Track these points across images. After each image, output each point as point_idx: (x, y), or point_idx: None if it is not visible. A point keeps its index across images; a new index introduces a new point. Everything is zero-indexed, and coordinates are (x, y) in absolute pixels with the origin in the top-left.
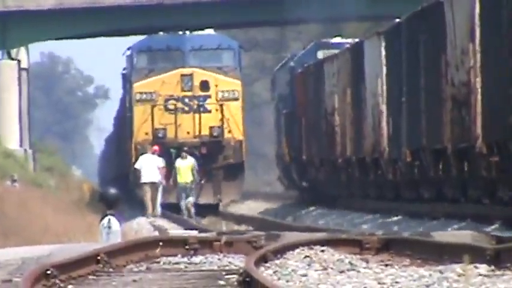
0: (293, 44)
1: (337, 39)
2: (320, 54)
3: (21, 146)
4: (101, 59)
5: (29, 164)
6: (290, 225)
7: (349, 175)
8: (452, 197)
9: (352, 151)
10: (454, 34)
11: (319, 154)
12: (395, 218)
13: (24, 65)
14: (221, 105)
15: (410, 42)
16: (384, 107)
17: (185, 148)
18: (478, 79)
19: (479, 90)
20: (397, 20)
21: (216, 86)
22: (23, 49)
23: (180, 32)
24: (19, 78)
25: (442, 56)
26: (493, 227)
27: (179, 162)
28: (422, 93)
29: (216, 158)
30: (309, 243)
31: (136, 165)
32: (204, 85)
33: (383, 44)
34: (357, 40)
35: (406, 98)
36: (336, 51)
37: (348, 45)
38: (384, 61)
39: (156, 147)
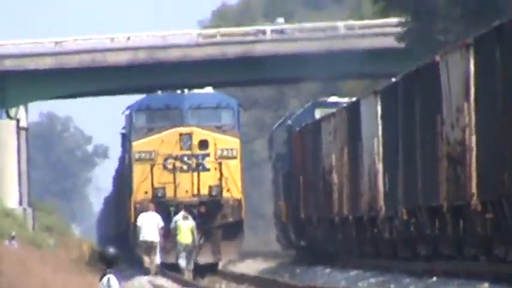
0: (292, 101)
1: (334, 99)
2: (317, 113)
3: (20, 205)
4: (100, 118)
5: (28, 223)
6: (290, 284)
7: (346, 233)
8: (448, 254)
9: (349, 210)
10: (449, 93)
11: (316, 213)
12: (392, 276)
13: (23, 124)
14: (220, 164)
15: (406, 101)
16: (380, 166)
17: (181, 206)
18: (473, 137)
19: (474, 148)
20: (393, 79)
21: (215, 144)
22: (22, 108)
23: (179, 91)
24: (18, 138)
25: (437, 115)
26: (486, 285)
27: (181, 222)
28: (418, 151)
29: (214, 217)
30: None
31: (138, 223)
32: (203, 144)
33: (379, 103)
34: (353, 99)
35: (402, 156)
36: (333, 110)
37: (344, 104)
38: (380, 120)
39: (152, 205)
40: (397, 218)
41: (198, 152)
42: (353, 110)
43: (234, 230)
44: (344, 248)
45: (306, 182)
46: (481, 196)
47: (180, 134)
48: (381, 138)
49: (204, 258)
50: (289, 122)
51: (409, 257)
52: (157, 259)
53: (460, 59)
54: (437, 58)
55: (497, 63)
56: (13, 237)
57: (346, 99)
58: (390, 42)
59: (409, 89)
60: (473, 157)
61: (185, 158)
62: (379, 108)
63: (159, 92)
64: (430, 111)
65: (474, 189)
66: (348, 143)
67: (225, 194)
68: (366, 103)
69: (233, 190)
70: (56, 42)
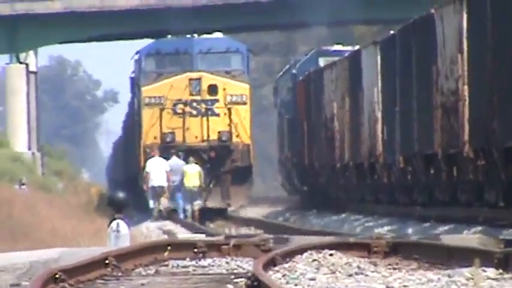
0: (301, 47)
1: (338, 47)
2: (321, 62)
3: (29, 149)
4: (110, 63)
5: (37, 167)
6: (299, 228)
7: (347, 179)
8: (443, 200)
9: (350, 156)
10: (443, 45)
11: (319, 159)
12: (388, 221)
13: (32, 68)
14: (229, 109)
15: (403, 52)
16: (379, 115)
17: (191, 158)
18: (466, 88)
19: (467, 98)
20: (391, 32)
21: (224, 89)
22: (31, 53)
23: (188, 36)
24: (27, 82)
25: (432, 66)
26: (479, 228)
27: (187, 167)
28: (414, 101)
29: (224, 162)
30: (318, 247)
31: (146, 169)
32: (212, 89)
33: (379, 53)
34: (356, 47)
35: (399, 106)
36: (337, 58)
37: (347, 53)
38: (379, 70)
39: (157, 151)
40: (395, 166)
41: (207, 97)
42: (354, 60)
43: (243, 175)
44: (345, 194)
45: (309, 129)
46: (473, 144)
47: (190, 79)
48: (380, 88)
49: (213, 203)
50: (294, 70)
51: (407, 202)
52: (166, 203)
53: (454, 13)
54: (433, 11)
55: (487, 17)
56: (23, 183)
57: (349, 48)
58: None
59: (406, 41)
60: (466, 106)
61: (194, 103)
62: (378, 59)
63: (169, 37)
64: (425, 62)
65: (466, 138)
66: (349, 91)
67: (235, 139)
68: (367, 53)
69: (242, 135)
70: None
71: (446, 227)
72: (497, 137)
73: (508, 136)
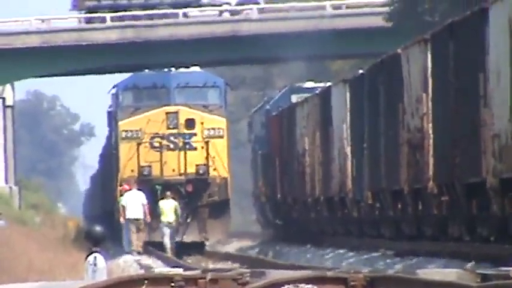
0: (279, 81)
1: (310, 84)
2: (294, 98)
3: (6, 183)
4: (87, 97)
5: (14, 201)
6: (275, 262)
7: (319, 213)
8: (409, 234)
9: (321, 191)
10: (409, 84)
11: (291, 193)
12: (351, 254)
13: (9, 102)
14: (206, 143)
15: (371, 90)
16: (348, 150)
17: (168, 193)
18: (430, 125)
19: (431, 135)
20: (360, 71)
21: (202, 123)
22: (8, 86)
23: (166, 70)
24: (4, 116)
25: (399, 104)
26: (443, 260)
27: (162, 203)
28: (382, 138)
29: (201, 196)
30: (295, 281)
31: (122, 202)
32: (190, 123)
33: (348, 91)
34: (328, 84)
35: (367, 142)
36: (309, 95)
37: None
38: (348, 107)
39: (125, 186)
40: (363, 201)
41: (184, 131)
42: (324, 97)
43: (220, 209)
44: (317, 227)
45: (282, 164)
46: (437, 180)
47: (167, 113)
48: (349, 124)
49: (191, 237)
50: (268, 106)
51: (375, 235)
52: (142, 237)
53: (419, 53)
54: (399, 51)
55: (450, 58)
56: None
57: (321, 85)
58: (378, 21)
59: (374, 80)
60: (430, 144)
61: (172, 137)
62: (347, 96)
63: (146, 71)
64: (392, 100)
65: (431, 173)
66: (320, 127)
67: (212, 173)
68: (336, 91)
69: (220, 169)
70: (43, 20)
71: (413, 261)
72: (459, 173)
73: (470, 172)
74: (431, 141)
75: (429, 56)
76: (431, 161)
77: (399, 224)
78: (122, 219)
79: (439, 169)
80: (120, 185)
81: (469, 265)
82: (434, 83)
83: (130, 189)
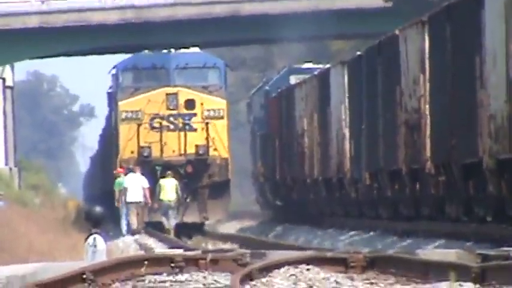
0: (279, 62)
1: (309, 65)
2: (292, 79)
3: (6, 164)
4: (87, 78)
5: (14, 182)
6: (275, 243)
7: (317, 194)
8: (407, 214)
9: (320, 171)
10: (407, 65)
11: (290, 174)
12: (352, 233)
13: (9, 83)
14: (207, 124)
15: (369, 72)
16: (346, 131)
17: (168, 172)
18: (427, 106)
19: (428, 116)
20: (358, 52)
21: (202, 104)
22: (8, 67)
23: (166, 50)
24: (4, 97)
25: (397, 86)
26: (443, 241)
27: (163, 181)
28: (380, 119)
29: (201, 177)
30: (295, 262)
31: (124, 185)
32: (190, 104)
33: (346, 72)
34: (327, 66)
35: (365, 123)
36: (307, 76)
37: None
38: (347, 89)
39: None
40: (361, 182)
41: (184, 111)
42: (323, 78)
43: (221, 190)
44: (315, 208)
45: (281, 145)
46: (434, 160)
47: (167, 94)
48: (347, 106)
49: (191, 218)
50: (266, 87)
51: (373, 216)
52: (141, 219)
53: (416, 35)
54: (397, 32)
55: (447, 40)
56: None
57: (320, 66)
58: (378, 2)
59: (372, 61)
60: (428, 124)
61: (171, 118)
62: (346, 78)
63: (146, 52)
64: (390, 82)
65: (428, 154)
66: (318, 109)
67: (212, 153)
68: (335, 72)
69: (220, 149)
70: (43, 1)
71: (410, 241)
72: (456, 154)
73: (466, 153)
74: (428, 122)
75: (426, 37)
76: (428, 141)
77: (397, 205)
78: (117, 203)
79: (436, 150)
80: (120, 166)
81: (467, 245)
82: (431, 65)
83: (123, 172)
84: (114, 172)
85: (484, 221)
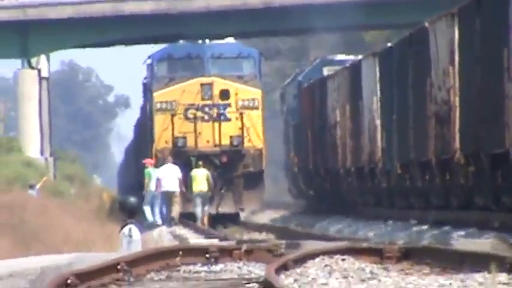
0: (313, 52)
1: (341, 56)
2: (325, 71)
3: (42, 154)
4: (122, 68)
5: (49, 172)
6: (310, 233)
7: (350, 184)
8: (437, 204)
9: (352, 162)
10: (437, 57)
11: (323, 164)
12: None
13: (44, 73)
14: (241, 114)
15: (400, 64)
16: (378, 122)
17: (200, 162)
18: (457, 98)
19: (458, 107)
20: (389, 44)
21: (236, 94)
22: (43, 58)
23: (200, 41)
24: (39, 87)
25: (427, 77)
26: (471, 230)
27: (195, 171)
28: (410, 110)
29: (236, 167)
30: (330, 252)
31: (158, 175)
32: (224, 94)
33: (377, 64)
34: (359, 57)
35: (396, 115)
36: (340, 67)
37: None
38: (378, 80)
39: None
40: (393, 172)
41: (219, 102)
42: (355, 70)
43: (255, 180)
44: (348, 198)
45: (313, 135)
46: (464, 151)
47: (201, 84)
48: (379, 97)
49: (226, 208)
50: (299, 78)
51: (405, 206)
52: (177, 210)
53: (446, 27)
54: (427, 25)
55: (476, 32)
56: (31, 186)
57: (352, 57)
58: None
59: (403, 53)
60: (457, 115)
61: (206, 108)
62: (377, 69)
63: (181, 42)
64: (420, 74)
65: (458, 145)
66: (350, 100)
67: (247, 144)
68: (366, 64)
69: (254, 140)
70: None
71: (441, 230)
72: (485, 144)
73: (495, 143)
74: (457, 113)
75: (456, 30)
76: (458, 132)
77: (428, 195)
78: (145, 191)
79: (465, 140)
80: (155, 156)
81: (494, 235)
82: (460, 57)
83: (152, 164)
84: (143, 162)
85: None
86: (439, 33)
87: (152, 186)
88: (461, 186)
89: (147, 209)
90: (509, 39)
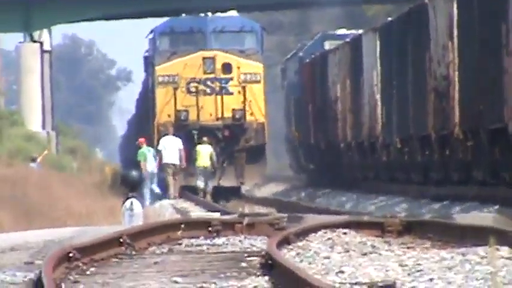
0: (315, 26)
1: (343, 31)
2: (326, 45)
3: (43, 128)
4: (124, 42)
5: (51, 146)
6: (311, 207)
7: (350, 158)
8: (437, 178)
9: (352, 136)
10: (436, 33)
11: (324, 138)
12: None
13: (46, 47)
14: (243, 88)
15: (400, 39)
16: (378, 97)
17: (205, 138)
18: (456, 73)
19: (457, 82)
20: (389, 19)
21: (238, 68)
22: (45, 31)
23: (203, 14)
24: (41, 61)
25: (426, 53)
26: (468, 204)
27: (200, 147)
28: (409, 86)
29: (238, 141)
30: (331, 226)
31: (159, 147)
32: (226, 67)
33: (378, 39)
34: (360, 32)
35: (396, 89)
36: (341, 42)
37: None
38: (378, 55)
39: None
40: (392, 146)
41: (221, 75)
42: (355, 45)
43: (257, 154)
44: (349, 172)
45: (314, 110)
46: (463, 126)
47: (204, 58)
48: (379, 72)
49: (228, 182)
50: (301, 53)
51: (404, 180)
52: (177, 183)
53: (445, 3)
54: (426, 1)
55: (474, 8)
56: (33, 159)
57: (354, 31)
58: None
59: (403, 29)
60: (456, 91)
61: (208, 82)
62: (377, 44)
63: (183, 16)
64: (420, 49)
65: (457, 120)
66: (351, 75)
67: (249, 118)
68: (367, 39)
69: (257, 114)
70: None
71: (441, 204)
72: (483, 119)
73: (493, 118)
74: (456, 88)
75: (455, 5)
76: (457, 107)
77: (427, 169)
78: (144, 171)
79: (464, 115)
80: (157, 129)
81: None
82: (459, 32)
83: (145, 143)
84: (136, 143)
85: (511, 184)
86: (438, 9)
87: (149, 166)
88: (460, 161)
89: (147, 193)
90: (507, 15)
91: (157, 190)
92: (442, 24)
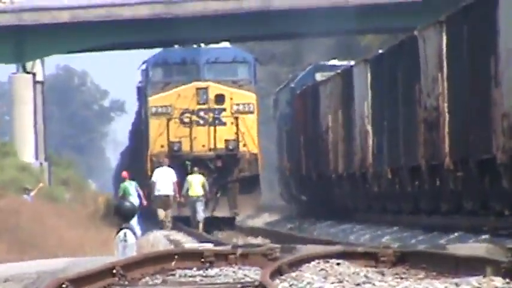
0: (308, 57)
1: (334, 62)
2: (318, 76)
3: (36, 159)
4: (117, 73)
5: (44, 177)
6: (305, 237)
7: (342, 189)
8: (427, 209)
9: (344, 167)
10: (426, 64)
11: (315, 169)
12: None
13: (39, 78)
14: (236, 118)
15: (390, 70)
16: (369, 128)
17: (195, 168)
18: (445, 104)
19: (447, 114)
20: (380, 51)
21: (231, 99)
22: (38, 62)
23: (195, 45)
24: (34, 92)
25: (416, 84)
26: (456, 234)
27: (191, 177)
28: (400, 116)
29: (231, 171)
30: (325, 256)
31: (153, 178)
32: (219, 98)
33: (369, 70)
34: (351, 63)
35: (387, 120)
36: (333, 73)
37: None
38: (369, 86)
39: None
40: (383, 177)
41: (214, 106)
42: (346, 76)
43: (250, 184)
44: (340, 203)
45: (306, 140)
46: (453, 156)
47: (197, 88)
48: (370, 103)
49: (221, 213)
50: (292, 84)
51: (396, 210)
52: (170, 213)
53: (435, 35)
54: (416, 33)
55: (464, 39)
56: (28, 189)
57: (345, 63)
58: None
59: (393, 60)
60: (446, 122)
61: (201, 113)
62: (368, 75)
63: (176, 47)
64: (410, 80)
65: (447, 150)
66: (342, 106)
67: (242, 148)
68: (358, 70)
69: (249, 144)
70: None
71: (431, 234)
72: (473, 150)
73: (482, 149)
74: (446, 119)
75: (444, 37)
76: (447, 138)
77: (418, 199)
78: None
79: (454, 146)
80: (151, 160)
81: (482, 238)
82: (449, 64)
83: (127, 178)
84: (120, 176)
85: (502, 214)
86: (427, 41)
87: (133, 200)
88: (451, 191)
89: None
90: (496, 47)
91: (137, 230)
92: (431, 56)
